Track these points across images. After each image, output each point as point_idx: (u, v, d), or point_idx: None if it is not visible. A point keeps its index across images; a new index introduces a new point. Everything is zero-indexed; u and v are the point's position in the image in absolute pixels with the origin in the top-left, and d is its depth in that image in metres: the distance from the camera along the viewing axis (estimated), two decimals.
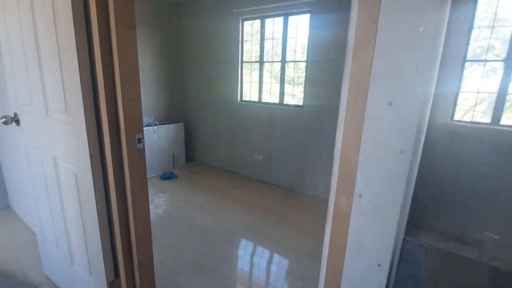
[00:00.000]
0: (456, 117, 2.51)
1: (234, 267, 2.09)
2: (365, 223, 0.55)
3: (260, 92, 3.68)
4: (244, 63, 3.74)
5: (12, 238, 2.27)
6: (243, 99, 3.83)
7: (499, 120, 2.41)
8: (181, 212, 2.86)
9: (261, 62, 3.59)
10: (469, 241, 2.53)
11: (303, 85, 3.28)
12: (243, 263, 2.14)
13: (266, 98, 3.69)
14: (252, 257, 2.20)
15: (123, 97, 1.06)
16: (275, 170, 3.61)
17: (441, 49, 0.65)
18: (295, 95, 3.49)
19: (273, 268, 2.09)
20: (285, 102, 3.49)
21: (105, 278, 1.34)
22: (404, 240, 0.77)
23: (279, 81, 3.49)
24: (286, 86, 3.47)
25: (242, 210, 2.92)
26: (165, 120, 4.12)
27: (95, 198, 1.20)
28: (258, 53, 3.60)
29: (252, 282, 1.97)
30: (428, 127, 2.24)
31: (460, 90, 2.50)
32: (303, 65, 3.28)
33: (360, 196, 0.56)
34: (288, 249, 2.29)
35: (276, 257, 2.20)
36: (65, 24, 1.05)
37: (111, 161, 1.14)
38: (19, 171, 2.38)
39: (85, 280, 1.48)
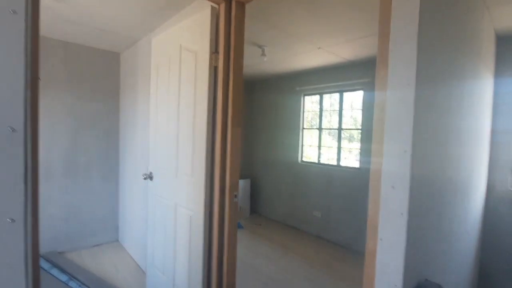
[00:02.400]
0: None
1: None
2: (385, 254, 0.94)
3: (319, 155, 4.15)
4: (304, 129, 4.34)
5: (122, 265, 2.95)
6: (304, 159, 4.33)
7: None
8: (246, 257, 3.26)
9: (319, 129, 4.14)
10: None
11: (359, 150, 3.65)
12: None
13: (324, 160, 4.13)
14: None
15: (230, 168, 1.66)
16: (332, 227, 3.83)
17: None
18: (352, 152, 3.86)
19: None
20: (342, 164, 3.87)
21: None
22: (425, 280, 1.08)
23: (337, 146, 3.94)
24: (344, 147, 3.89)
25: (301, 262, 3.18)
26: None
27: (203, 234, 1.76)
28: (317, 121, 4.18)
29: None
30: (487, 196, 2.44)
31: None
32: (358, 132, 3.71)
33: (381, 240, 0.96)
34: None
35: None
36: (200, 124, 1.75)
37: (217, 208, 1.71)
38: (129, 211, 3.18)
39: None
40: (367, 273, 1.00)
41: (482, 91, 2.27)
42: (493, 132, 2.73)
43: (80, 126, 3.19)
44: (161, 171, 2.21)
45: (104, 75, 3.35)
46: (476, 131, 2.09)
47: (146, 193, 2.53)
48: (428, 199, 1.15)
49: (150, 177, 2.34)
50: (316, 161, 4.17)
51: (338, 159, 3.89)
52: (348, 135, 3.91)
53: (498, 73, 2.71)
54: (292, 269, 3.04)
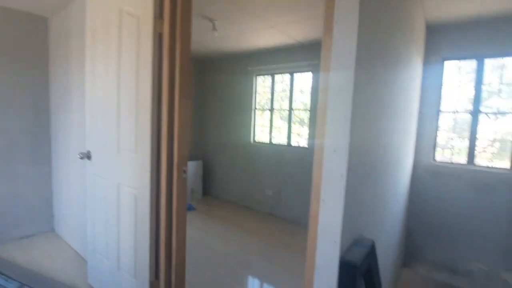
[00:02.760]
0: (437, 158, 2.94)
1: (245, 285, 2.42)
2: (326, 214, 1.00)
3: (271, 135, 4.24)
4: (256, 110, 4.36)
5: (59, 255, 2.69)
6: (256, 140, 4.38)
7: (472, 161, 2.82)
8: (199, 237, 3.24)
9: (271, 109, 4.21)
10: (460, 271, 2.84)
11: (308, 129, 3.82)
12: (253, 282, 2.47)
13: (276, 140, 4.24)
14: (262, 278, 2.53)
15: (178, 143, 1.59)
16: (283, 204, 4.00)
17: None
18: (301, 135, 4.02)
19: (280, 285, 2.40)
20: (292, 144, 4.01)
21: (148, 279, 1.74)
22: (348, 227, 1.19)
23: (287, 125, 4.06)
24: (294, 129, 4.02)
25: (253, 239, 3.28)
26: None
27: (150, 213, 1.67)
28: (269, 102, 4.23)
29: None
30: (414, 167, 2.75)
31: (438, 135, 2.97)
32: (307, 113, 3.86)
33: (323, 201, 1.01)
34: (293, 271, 2.60)
35: (283, 277, 2.52)
36: (144, 96, 1.62)
37: (165, 185, 1.63)
38: (66, 197, 2.89)
39: (129, 282, 1.88)
40: (311, 232, 1.05)
41: (413, 75, 2.52)
42: (420, 112, 3.07)
43: None
44: (100, 149, 2.02)
45: (28, 42, 2.88)
46: (407, 110, 2.33)
47: (85, 175, 2.30)
48: (365, 166, 1.24)
49: (87, 156, 2.12)
50: (268, 142, 4.25)
51: (289, 140, 4.02)
52: (298, 119, 4.05)
53: (427, 59, 3.03)
54: (245, 245, 3.11)
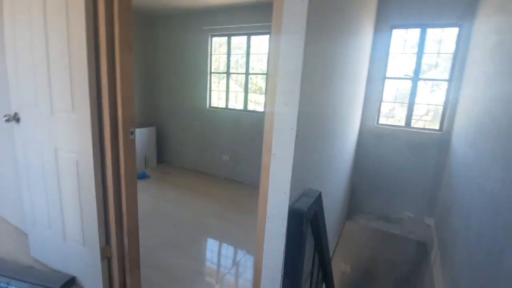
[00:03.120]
0: (380, 121, 3.19)
1: (203, 244, 2.48)
2: (277, 167, 1.03)
3: (227, 100, 4.15)
4: (212, 74, 4.19)
5: None
6: (212, 105, 4.26)
7: (409, 123, 3.12)
8: (155, 204, 3.18)
9: (227, 73, 4.07)
10: (393, 220, 3.23)
11: (265, 96, 3.81)
12: (210, 241, 2.54)
13: (232, 105, 4.17)
14: (218, 236, 2.61)
15: (122, 100, 1.45)
16: (240, 169, 4.07)
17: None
18: (259, 103, 4.01)
19: (236, 242, 2.52)
20: (249, 108, 3.99)
21: (98, 246, 1.67)
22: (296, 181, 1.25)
23: (243, 90, 3.99)
24: (251, 94, 3.98)
25: (210, 203, 3.32)
26: (138, 124, 4.40)
27: (95, 178, 1.56)
28: (225, 65, 4.08)
29: (220, 254, 2.38)
30: (360, 129, 2.94)
31: (382, 101, 3.20)
32: (264, 77, 3.82)
33: (274, 154, 1.03)
34: (249, 229, 2.73)
35: (238, 234, 2.63)
36: (78, 48, 1.42)
37: (110, 148, 1.51)
38: None
39: (78, 251, 1.79)
40: (262, 185, 1.08)
41: (364, 42, 2.60)
42: (368, 78, 3.25)
43: None
44: (30, 110, 1.77)
45: None
46: (357, 75, 2.44)
47: (14, 141, 2.02)
48: (314, 122, 1.28)
49: (15, 119, 1.85)
50: (224, 107, 4.17)
51: (246, 104, 3.99)
52: (256, 87, 3.99)
53: (377, 27, 3.14)
54: (202, 209, 3.15)
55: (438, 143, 2.96)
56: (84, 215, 1.68)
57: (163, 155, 4.77)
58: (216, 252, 2.42)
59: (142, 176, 3.98)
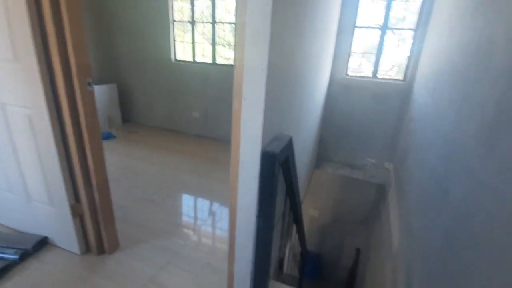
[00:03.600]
0: (349, 73, 3.23)
1: (178, 199, 2.52)
2: (248, 111, 1.02)
3: (194, 52, 3.90)
4: (175, 23, 3.84)
5: None
6: (178, 59, 4.00)
7: (376, 74, 3.20)
8: (125, 164, 3.10)
9: (192, 22, 3.76)
10: (357, 166, 3.46)
11: (233, 45, 3.62)
12: (185, 196, 2.58)
13: (200, 59, 3.94)
14: (193, 191, 2.66)
15: (73, 46, 1.29)
16: (211, 124, 4.01)
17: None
18: (229, 58, 3.82)
19: (210, 195, 2.59)
20: (217, 62, 3.80)
21: (67, 203, 1.61)
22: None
23: (211, 42, 3.76)
24: (220, 48, 3.76)
25: (183, 159, 3.30)
26: (96, 81, 4.04)
27: (53, 134, 1.44)
28: (190, 14, 3.75)
29: (195, 207, 2.44)
30: (330, 80, 2.95)
31: (352, 51, 3.20)
32: (233, 30, 3.59)
33: (245, 99, 1.01)
34: (222, 181, 2.80)
35: (212, 188, 2.70)
36: None
37: (66, 101, 1.38)
38: None
39: (46, 211, 1.73)
40: (234, 131, 1.07)
41: None
42: (338, 29, 3.19)
43: None
44: None
45: None
46: (326, 24, 2.37)
47: None
48: (285, 65, 1.26)
49: None
50: (192, 60, 3.93)
51: (214, 57, 3.79)
52: (223, 41, 3.75)
53: None
54: (174, 166, 3.13)
55: (401, 92, 3.10)
56: (47, 174, 1.59)
57: (129, 114, 4.52)
58: (191, 206, 2.48)
59: (108, 137, 3.79)
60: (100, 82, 4.03)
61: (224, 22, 3.66)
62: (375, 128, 3.26)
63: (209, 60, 3.85)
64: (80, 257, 1.75)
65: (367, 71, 3.31)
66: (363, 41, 3.27)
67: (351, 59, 3.25)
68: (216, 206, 2.44)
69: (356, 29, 3.14)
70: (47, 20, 1.26)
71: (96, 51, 4.04)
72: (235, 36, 0.97)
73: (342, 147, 3.48)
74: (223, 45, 3.79)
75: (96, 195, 1.63)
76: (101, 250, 1.78)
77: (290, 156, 1.31)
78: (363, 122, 3.28)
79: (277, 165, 1.07)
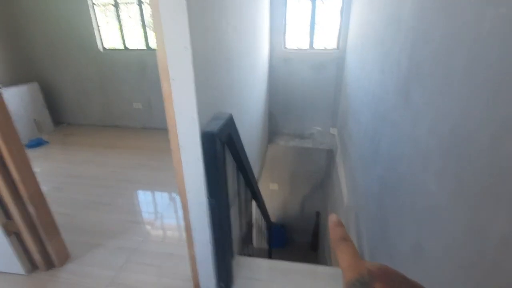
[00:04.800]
0: (287, 46, 3.29)
1: (130, 197, 2.40)
2: (179, 93, 0.98)
3: (123, 38, 3.58)
4: (95, 6, 3.45)
5: None
6: (106, 47, 3.64)
7: (312, 45, 3.31)
8: (66, 170, 2.82)
9: (116, 4, 3.41)
10: (306, 136, 3.62)
11: None
12: (137, 192, 2.47)
13: (131, 45, 3.63)
14: (145, 186, 2.55)
15: None
16: (156, 114, 3.81)
17: None
18: None
19: (163, 187, 2.51)
20: (152, 47, 3.55)
21: None
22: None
23: (141, 26, 3.47)
24: (150, 31, 3.50)
25: (129, 155, 3.12)
26: (10, 82, 3.50)
27: None
28: None
29: (149, 201, 2.36)
30: (270, 54, 2.95)
31: (286, 23, 3.24)
32: None
33: (174, 80, 0.97)
34: (172, 170, 2.73)
35: (164, 179, 2.62)
36: None
37: None
38: None
39: None
40: (168, 115, 1.03)
41: None
42: (271, 2, 3.19)
43: None
44: None
45: None
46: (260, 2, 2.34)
47: None
48: (215, 42, 1.22)
49: None
50: (123, 48, 3.61)
51: (147, 42, 3.53)
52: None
53: None
54: (122, 163, 2.94)
55: (336, 60, 3.27)
56: None
57: (60, 115, 4.06)
58: (145, 201, 2.39)
59: (39, 143, 3.38)
60: (17, 82, 3.51)
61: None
62: (317, 97, 3.42)
63: (142, 45, 3.57)
64: (26, 277, 1.59)
65: (304, 43, 3.40)
66: (297, 13, 3.32)
67: (287, 32, 3.29)
68: (171, 196, 2.38)
69: (288, 0, 3.16)
70: None
71: (5, 48, 3.47)
72: (151, 11, 0.91)
73: (290, 120, 3.61)
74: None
75: (31, 208, 1.47)
76: (49, 265, 1.64)
77: (234, 133, 1.31)
78: (306, 92, 3.41)
79: (218, 144, 1.06)
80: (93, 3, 3.40)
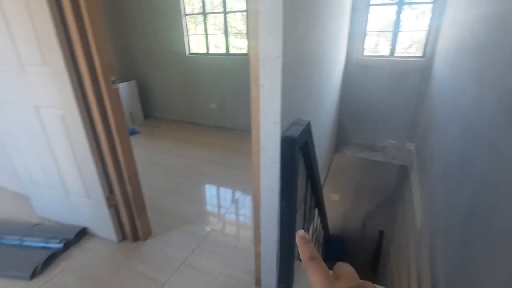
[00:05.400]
0: (365, 53, 3.15)
1: (202, 189, 2.62)
2: (266, 98, 1.06)
3: (207, 44, 3.93)
4: (187, 16, 3.88)
5: None
6: (192, 52, 4.05)
7: (394, 53, 3.11)
8: (150, 158, 3.24)
9: (204, 14, 3.78)
10: (378, 148, 3.42)
11: (246, 34, 3.62)
12: (208, 186, 2.68)
13: (213, 50, 3.97)
14: (215, 181, 2.75)
15: (97, 48, 1.37)
16: (229, 115, 4.08)
17: None
18: (242, 48, 3.83)
19: (232, 184, 2.67)
20: (231, 51, 3.82)
21: (102, 195, 1.74)
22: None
23: (223, 33, 3.77)
24: (232, 38, 3.77)
25: (204, 150, 3.40)
26: (118, 79, 4.18)
27: (85, 131, 1.55)
28: (201, 5, 3.76)
29: (219, 195, 2.54)
30: (346, 61, 2.91)
31: (367, 31, 3.11)
32: (245, 15, 3.58)
33: (263, 86, 1.05)
34: (243, 169, 2.88)
35: (233, 177, 2.78)
36: None
37: (94, 100, 1.48)
38: None
39: (83, 204, 1.87)
40: (254, 118, 1.12)
41: None
42: (353, 7, 3.10)
43: None
44: None
45: None
46: (341, 7, 2.31)
47: None
48: (300, 51, 1.27)
49: None
50: (205, 52, 3.97)
51: (227, 47, 3.81)
52: (235, 30, 3.74)
53: None
54: (196, 157, 3.23)
55: (420, 69, 2.99)
56: (82, 170, 1.72)
57: (149, 109, 4.67)
58: (214, 195, 2.58)
59: (132, 132, 3.96)
60: (120, 80, 4.18)
61: (236, 11, 3.65)
62: (394, 108, 3.18)
63: (222, 50, 3.87)
64: (117, 244, 1.89)
65: (384, 50, 3.21)
66: (379, 19, 3.16)
67: (367, 39, 3.15)
68: (238, 194, 2.52)
69: (371, 7, 3.03)
70: (70, 23, 1.34)
71: (115, 49, 4.17)
72: (247, 24, 1.00)
73: (361, 130, 3.44)
74: (235, 34, 3.79)
75: (128, 188, 1.74)
76: (135, 237, 1.92)
77: (309, 140, 1.34)
78: (382, 102, 3.21)
79: (296, 149, 1.10)
80: (185, 14, 3.83)
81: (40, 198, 2.08)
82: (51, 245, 1.82)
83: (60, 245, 1.82)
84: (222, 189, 2.63)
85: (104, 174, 1.71)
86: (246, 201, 2.42)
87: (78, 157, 1.67)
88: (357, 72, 3.18)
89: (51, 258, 1.76)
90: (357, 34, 3.09)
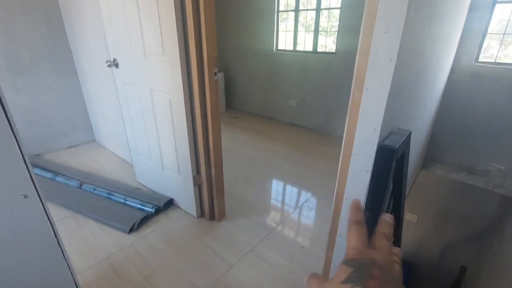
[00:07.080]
0: (480, 59, 2.69)
1: (272, 181, 2.68)
2: (369, 102, 1.00)
3: (295, 41, 3.94)
4: (280, 13, 3.95)
5: (106, 161, 3.02)
6: (279, 48, 4.12)
7: None
8: (228, 145, 3.46)
9: (296, 10, 3.79)
10: (478, 172, 2.93)
11: (336, 33, 3.49)
12: (280, 180, 2.73)
13: (300, 47, 3.96)
14: (287, 175, 2.77)
15: (207, 42, 1.51)
16: (306, 114, 4.03)
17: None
18: (326, 46, 3.72)
19: (304, 184, 2.65)
20: (318, 50, 3.74)
21: (191, 174, 1.95)
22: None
23: (313, 30, 3.71)
24: (319, 36, 3.69)
25: (278, 146, 3.46)
26: None
27: (186, 115, 1.75)
28: (294, 2, 3.78)
29: (289, 192, 2.56)
30: (452, 68, 2.55)
31: (487, 33, 2.63)
32: (337, 13, 3.45)
33: (367, 89, 0.99)
34: (314, 169, 2.82)
35: (303, 175, 2.75)
36: None
37: (197, 88, 1.65)
38: (100, 108, 3.03)
39: (174, 178, 2.13)
40: (349, 122, 1.08)
41: None
42: (471, 6, 2.66)
43: (9, 12, 2.59)
44: (126, 55, 1.99)
45: None
46: (458, 5, 2.01)
47: (114, 84, 2.34)
48: (412, 54, 1.16)
49: (115, 64, 2.12)
50: (292, 49, 3.99)
51: (315, 45, 3.74)
52: (324, 30, 3.65)
53: None
54: (270, 150, 3.32)
55: None
56: (178, 149, 1.95)
57: (231, 100, 4.98)
58: (285, 191, 2.60)
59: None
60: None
61: (330, 8, 3.55)
62: (507, 126, 2.63)
63: (309, 48, 3.83)
64: (196, 219, 2.10)
65: (505, 58, 2.66)
66: (500, 19, 2.63)
67: (485, 43, 2.66)
68: (308, 195, 2.49)
69: (497, 4, 2.54)
70: (188, 20, 1.51)
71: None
72: (363, 21, 0.95)
73: (458, 147, 2.96)
74: (321, 32, 3.69)
75: (213, 170, 1.90)
76: (212, 217, 2.09)
77: (406, 153, 1.22)
78: (492, 118, 2.68)
79: (394, 161, 1.02)
80: (278, 10, 3.91)
81: (141, 167, 2.45)
82: (145, 208, 2.13)
83: (152, 210, 2.12)
84: (292, 187, 2.64)
85: (195, 155, 1.90)
86: (315, 204, 2.38)
87: (177, 137, 1.90)
88: (465, 80, 2.72)
89: (145, 219, 2.07)
90: (471, 36, 2.64)
